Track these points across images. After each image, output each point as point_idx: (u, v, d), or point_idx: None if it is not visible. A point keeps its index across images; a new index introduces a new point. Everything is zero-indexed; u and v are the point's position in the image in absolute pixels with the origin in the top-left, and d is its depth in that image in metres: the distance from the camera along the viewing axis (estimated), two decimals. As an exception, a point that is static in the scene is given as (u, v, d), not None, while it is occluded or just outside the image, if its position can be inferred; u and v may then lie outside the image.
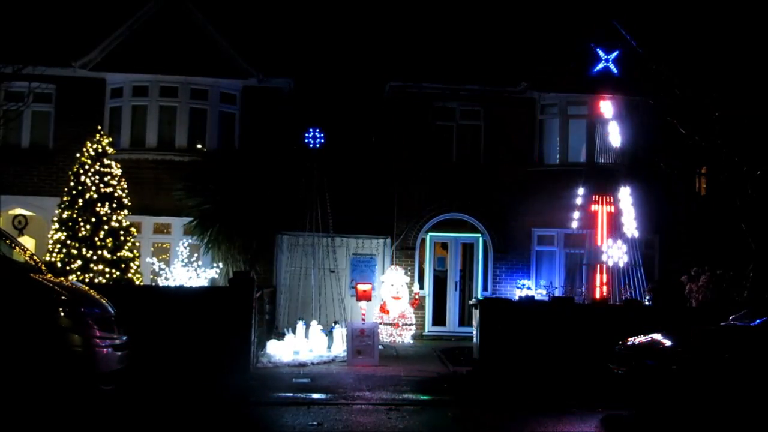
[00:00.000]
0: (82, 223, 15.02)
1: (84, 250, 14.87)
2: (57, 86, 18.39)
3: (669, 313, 13.26)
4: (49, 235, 15.38)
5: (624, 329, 11.11)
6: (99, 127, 16.44)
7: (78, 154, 15.79)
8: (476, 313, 14.00)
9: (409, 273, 18.44)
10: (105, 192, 15.40)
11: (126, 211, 15.75)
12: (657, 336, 9.92)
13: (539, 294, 17.81)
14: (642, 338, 10.07)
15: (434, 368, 13.55)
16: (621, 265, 17.10)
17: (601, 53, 18.93)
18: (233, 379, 11.38)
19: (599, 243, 17.49)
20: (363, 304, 17.15)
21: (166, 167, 18.09)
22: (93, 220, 15.07)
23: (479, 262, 19.43)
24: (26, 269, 8.74)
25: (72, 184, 15.44)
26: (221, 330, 12.08)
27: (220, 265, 16.99)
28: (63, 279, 9.67)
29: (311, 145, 17.38)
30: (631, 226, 17.21)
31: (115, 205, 15.48)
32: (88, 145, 15.66)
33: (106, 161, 15.69)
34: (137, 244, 16.46)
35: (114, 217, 15.34)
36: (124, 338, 8.86)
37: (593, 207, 17.62)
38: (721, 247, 17.42)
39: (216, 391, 10.53)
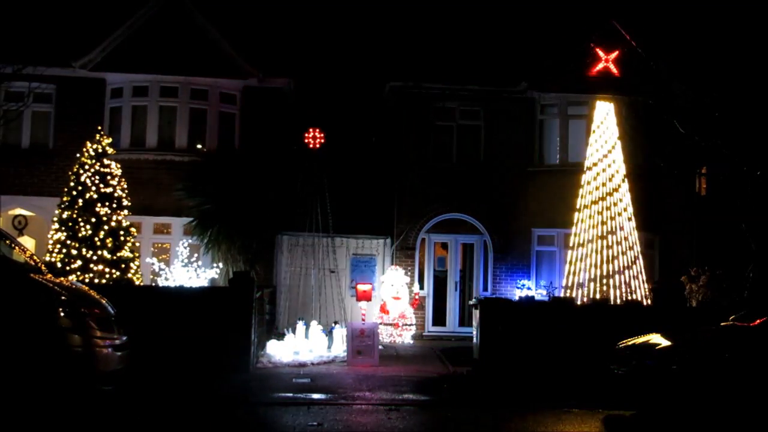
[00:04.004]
0: (82, 223, 15.01)
1: (84, 250, 14.85)
2: (57, 86, 18.38)
3: (669, 313, 13.25)
4: (49, 235, 15.36)
5: (624, 329, 11.10)
6: (99, 127, 16.42)
7: (78, 154, 15.77)
8: (476, 313, 13.99)
9: (409, 273, 18.44)
10: (105, 192, 15.39)
11: (126, 211, 15.74)
12: (657, 336, 9.92)
13: (539, 294, 17.80)
14: (642, 338, 10.07)
15: (434, 368, 13.55)
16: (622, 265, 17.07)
17: (601, 53, 18.92)
18: (233, 379, 11.38)
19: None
20: (363, 304, 17.15)
21: (166, 167, 18.08)
22: (93, 220, 15.05)
23: (479, 263, 19.43)
24: (26, 269, 8.74)
25: (72, 184, 15.42)
26: (221, 330, 12.08)
27: (220, 265, 16.99)
28: (63, 279, 9.67)
29: (311, 145, 17.38)
30: (630, 225, 17.19)
31: (115, 205, 15.46)
32: (88, 145, 15.65)
33: (106, 161, 15.67)
34: (137, 244, 16.44)
35: (114, 217, 15.32)
36: (124, 338, 8.86)
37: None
38: (721, 247, 17.42)
39: (216, 391, 10.53)
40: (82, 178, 15.34)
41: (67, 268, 14.59)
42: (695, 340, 9.68)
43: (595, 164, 16.68)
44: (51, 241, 15.16)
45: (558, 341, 12.76)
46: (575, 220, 16.66)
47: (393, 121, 19.75)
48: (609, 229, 16.23)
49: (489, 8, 20.76)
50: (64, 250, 14.88)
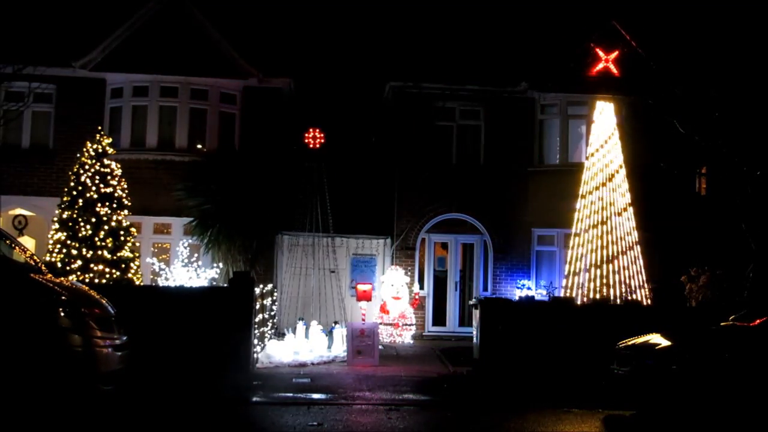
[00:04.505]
0: (82, 223, 15.02)
1: (84, 250, 14.86)
2: (57, 86, 18.39)
3: (669, 313, 13.24)
4: (49, 235, 15.37)
5: (624, 329, 11.10)
6: (99, 127, 16.43)
7: (78, 154, 15.78)
8: (476, 313, 13.99)
9: (409, 273, 18.44)
10: (105, 192, 15.39)
11: (126, 211, 15.75)
12: (657, 336, 9.92)
13: (539, 294, 17.80)
14: (642, 338, 10.07)
15: (434, 368, 13.55)
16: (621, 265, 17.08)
17: (601, 53, 18.92)
18: (233, 379, 11.38)
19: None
20: (363, 304, 17.17)
21: (166, 167, 18.08)
22: (93, 220, 15.06)
23: (479, 262, 19.43)
24: (26, 269, 8.74)
25: (72, 184, 15.43)
26: (221, 330, 12.07)
27: (220, 265, 16.99)
28: (63, 279, 9.67)
29: (311, 145, 17.38)
30: (630, 225, 17.21)
31: (115, 205, 15.46)
32: (88, 145, 15.65)
33: (106, 161, 15.68)
34: (137, 244, 16.45)
35: (114, 217, 15.33)
36: (124, 338, 8.85)
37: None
38: (721, 247, 17.41)
39: (216, 391, 10.53)
40: (82, 178, 15.34)
41: (67, 268, 14.59)
42: (695, 340, 9.68)
43: (594, 164, 16.68)
44: (51, 241, 15.16)
45: (558, 341, 12.76)
46: (575, 220, 16.65)
47: (393, 121, 19.74)
48: (609, 229, 16.23)
49: (489, 8, 20.76)
50: (64, 250, 14.88)
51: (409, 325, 17.59)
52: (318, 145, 17.57)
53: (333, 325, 15.25)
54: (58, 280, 8.80)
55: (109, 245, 15.09)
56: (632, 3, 19.15)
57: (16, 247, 9.55)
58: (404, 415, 9.35)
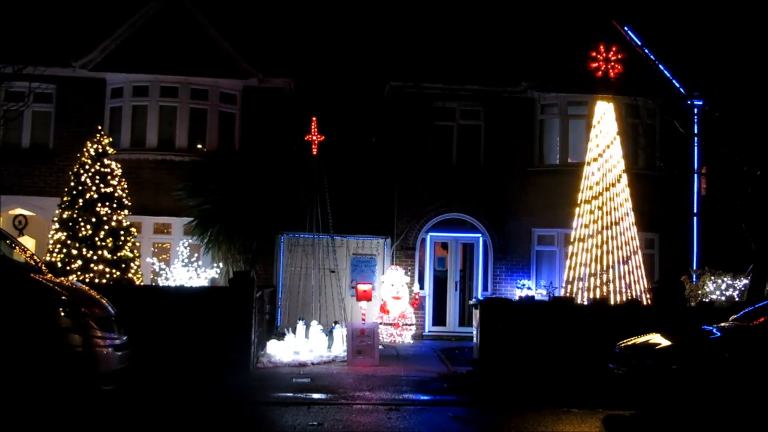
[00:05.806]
0: (82, 223, 15.02)
1: (84, 250, 14.86)
2: (57, 86, 18.39)
3: (669, 313, 13.24)
4: (50, 235, 15.37)
5: (624, 329, 11.10)
6: (99, 127, 16.42)
7: (78, 154, 15.78)
8: (476, 313, 13.99)
9: (409, 273, 18.44)
10: (105, 192, 15.39)
11: (126, 211, 15.75)
12: (657, 336, 9.92)
13: (539, 294, 17.80)
14: (642, 338, 10.07)
15: (434, 368, 13.56)
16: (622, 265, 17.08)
17: (601, 53, 18.90)
18: (233, 379, 11.39)
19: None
20: (363, 304, 17.17)
21: (166, 167, 18.09)
22: (93, 220, 15.06)
23: (479, 262, 19.43)
24: (26, 269, 8.75)
25: (72, 184, 15.43)
26: (221, 330, 12.09)
27: (220, 265, 16.99)
28: (63, 279, 9.68)
29: (311, 145, 17.38)
30: (630, 225, 17.22)
31: (115, 205, 15.46)
32: (89, 145, 15.65)
33: (106, 161, 15.68)
34: (137, 244, 16.45)
35: (114, 217, 15.33)
36: (124, 338, 8.87)
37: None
38: (721, 247, 17.42)
39: (216, 391, 10.53)
40: (83, 178, 15.34)
41: (68, 268, 14.60)
42: (695, 340, 9.68)
43: (595, 164, 16.67)
44: (51, 241, 15.16)
45: (558, 341, 12.75)
46: (575, 220, 16.64)
47: (393, 121, 19.74)
48: (609, 229, 16.22)
49: (489, 8, 20.76)
50: (64, 250, 14.89)
51: (409, 325, 17.59)
52: (318, 145, 17.56)
53: (333, 325, 15.25)
54: (58, 280, 8.81)
55: (110, 245, 15.10)
56: (632, 3, 19.15)
57: (17, 247, 9.57)
58: (404, 415, 9.36)
